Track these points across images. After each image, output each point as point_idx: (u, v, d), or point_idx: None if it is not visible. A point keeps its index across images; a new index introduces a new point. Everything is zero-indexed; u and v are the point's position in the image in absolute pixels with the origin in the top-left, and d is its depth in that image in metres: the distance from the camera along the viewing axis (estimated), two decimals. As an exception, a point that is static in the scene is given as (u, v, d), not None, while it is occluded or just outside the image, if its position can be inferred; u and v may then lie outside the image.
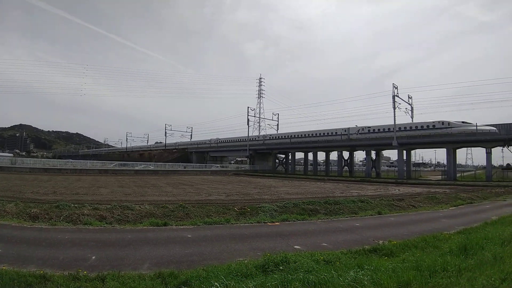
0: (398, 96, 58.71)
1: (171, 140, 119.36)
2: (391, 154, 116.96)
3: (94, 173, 52.70)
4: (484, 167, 65.22)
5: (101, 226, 11.76)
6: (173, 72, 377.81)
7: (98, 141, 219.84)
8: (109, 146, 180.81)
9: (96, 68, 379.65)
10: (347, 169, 71.03)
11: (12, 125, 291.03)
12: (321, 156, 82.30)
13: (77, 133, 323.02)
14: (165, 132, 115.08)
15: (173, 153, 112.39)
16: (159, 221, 12.43)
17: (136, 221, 12.91)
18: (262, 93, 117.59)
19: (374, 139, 63.02)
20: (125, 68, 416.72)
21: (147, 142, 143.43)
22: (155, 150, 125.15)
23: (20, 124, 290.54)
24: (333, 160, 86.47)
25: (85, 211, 13.37)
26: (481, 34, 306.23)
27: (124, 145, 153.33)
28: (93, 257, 7.82)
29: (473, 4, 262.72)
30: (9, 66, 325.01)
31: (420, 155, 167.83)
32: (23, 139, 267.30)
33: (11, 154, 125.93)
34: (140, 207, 14.75)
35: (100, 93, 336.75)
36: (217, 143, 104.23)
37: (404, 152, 60.61)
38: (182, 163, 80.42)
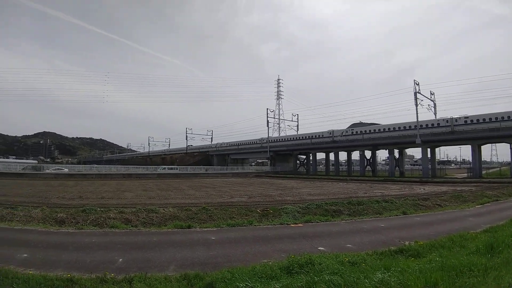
0: (420, 93, 57.33)
1: (192, 143, 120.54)
2: (415, 153, 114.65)
3: (119, 177, 53.65)
4: (509, 163, 62.83)
5: (127, 229, 11.97)
6: (191, 76, 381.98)
7: (121, 146, 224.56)
8: (132, 151, 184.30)
9: (116, 75, 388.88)
10: (370, 169, 69.90)
11: (35, 132, 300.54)
12: (343, 156, 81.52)
13: (100, 139, 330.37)
14: (186, 136, 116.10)
15: (195, 157, 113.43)
16: (183, 223, 12.58)
17: (160, 224, 13.09)
18: (281, 94, 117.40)
19: (396, 137, 61.82)
20: (144, 74, 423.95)
21: (169, 146, 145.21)
22: (177, 153, 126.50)
23: (44, 132, 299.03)
24: (355, 160, 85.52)
25: (111, 215, 13.64)
26: (496, 27, 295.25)
27: (146, 150, 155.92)
28: (120, 259, 7.97)
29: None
30: (29, 76, 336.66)
31: (444, 152, 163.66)
32: (47, 146, 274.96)
33: (36, 161, 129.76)
34: (164, 210, 14.95)
35: (121, 99, 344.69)
36: (238, 145, 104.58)
37: (428, 150, 59.23)
38: (203, 166, 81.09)
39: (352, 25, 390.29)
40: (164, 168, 69.60)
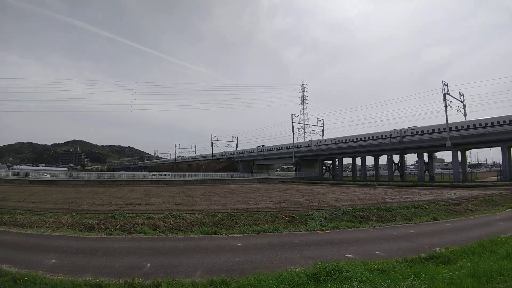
0: (449, 94, 55.69)
1: (217, 150, 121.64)
2: (445, 156, 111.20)
3: (146, 184, 54.70)
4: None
5: (154, 235, 12.16)
6: (215, 83, 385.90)
7: (148, 153, 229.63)
8: (159, 157, 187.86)
9: (143, 84, 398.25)
10: (398, 173, 68.26)
11: (66, 141, 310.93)
12: (370, 160, 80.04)
13: (129, 146, 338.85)
14: (212, 143, 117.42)
15: (220, 163, 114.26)
16: (209, 229, 12.66)
17: (187, 230, 13.22)
18: (306, 99, 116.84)
19: (425, 140, 60.13)
20: (170, 82, 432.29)
21: (195, 153, 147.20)
22: (203, 160, 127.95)
23: (74, 140, 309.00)
24: (382, 164, 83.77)
25: (139, 221, 13.90)
26: None
27: (173, 157, 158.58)
28: (148, 264, 8.08)
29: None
30: (58, 86, 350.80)
31: (475, 155, 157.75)
32: (77, 154, 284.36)
33: (66, 169, 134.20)
34: (190, 216, 15.10)
35: (148, 107, 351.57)
36: (263, 151, 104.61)
37: (459, 153, 57.33)
38: (229, 172, 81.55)
39: (377, 26, 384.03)
40: (155, 175, 70.01)
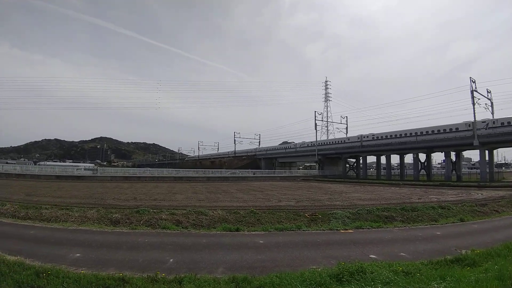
0: (476, 91, 53.58)
1: (240, 147, 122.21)
2: (473, 155, 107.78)
3: (170, 180, 55.54)
4: None
5: (178, 230, 12.34)
6: (237, 81, 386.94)
7: (172, 150, 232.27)
8: (182, 154, 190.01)
9: (166, 82, 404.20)
10: (424, 173, 66.55)
11: (92, 138, 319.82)
12: (395, 159, 78.39)
13: (153, 143, 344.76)
14: (234, 140, 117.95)
15: (243, 160, 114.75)
16: (232, 226, 12.73)
17: (209, 226, 13.33)
18: (329, 96, 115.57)
19: (452, 139, 58.29)
20: (192, 80, 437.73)
21: (217, 150, 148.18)
22: (226, 157, 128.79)
23: (101, 137, 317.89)
24: (408, 163, 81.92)
25: (163, 216, 14.12)
26: None
27: (196, 153, 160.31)
28: (171, 260, 8.19)
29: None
30: (84, 84, 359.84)
31: (502, 154, 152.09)
32: (104, 150, 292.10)
33: (93, 164, 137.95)
34: (213, 212, 15.22)
35: (172, 105, 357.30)
36: (285, 148, 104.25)
37: (487, 152, 55.31)
38: (251, 170, 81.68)
39: (401, 21, 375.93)
40: (178, 171, 70.47)
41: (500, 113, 59.88)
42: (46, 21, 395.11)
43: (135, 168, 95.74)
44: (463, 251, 8.86)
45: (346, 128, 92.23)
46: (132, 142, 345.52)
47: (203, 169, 77.07)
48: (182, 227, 12.92)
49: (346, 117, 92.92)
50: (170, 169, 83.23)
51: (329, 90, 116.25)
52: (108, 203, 18.89)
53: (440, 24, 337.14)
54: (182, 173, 66.54)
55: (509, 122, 51.93)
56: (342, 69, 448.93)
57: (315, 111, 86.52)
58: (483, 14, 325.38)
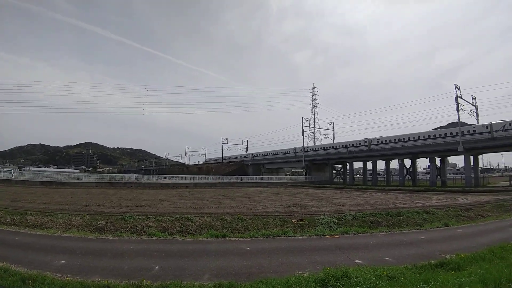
0: (461, 97, 54.77)
1: (227, 153, 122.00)
2: (457, 161, 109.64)
3: (156, 186, 55.11)
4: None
5: (164, 237, 12.25)
6: (226, 86, 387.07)
7: (159, 156, 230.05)
8: (169, 160, 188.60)
9: (154, 87, 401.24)
10: (410, 178, 67.45)
11: (78, 143, 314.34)
12: (381, 165, 79.24)
13: (140, 149, 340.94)
14: (222, 146, 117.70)
15: (230, 166, 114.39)
16: (218, 233, 12.70)
17: (196, 233, 13.29)
18: (316, 103, 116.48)
19: (438, 145, 59.29)
20: (181, 86, 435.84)
21: (205, 156, 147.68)
22: (213, 163, 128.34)
23: (86, 142, 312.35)
24: (394, 169, 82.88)
25: (149, 223, 14.02)
26: None
27: (183, 160, 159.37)
28: (157, 267, 8.13)
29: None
30: (71, 89, 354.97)
31: (487, 160, 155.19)
32: (89, 156, 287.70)
33: (78, 170, 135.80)
34: (199, 219, 15.16)
35: (160, 110, 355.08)
36: (272, 154, 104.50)
37: (471, 157, 56.42)
38: (238, 176, 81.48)
39: (388, 29, 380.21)
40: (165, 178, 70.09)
41: (485, 119, 61.20)
42: (34, 24, 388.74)
43: (121, 174, 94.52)
44: (448, 256, 8.96)
45: (333, 134, 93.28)
46: (118, 148, 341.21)
47: (190, 175, 76.62)
48: (168, 234, 12.85)
49: (333, 123, 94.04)
50: (157, 175, 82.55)
51: (316, 97, 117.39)
52: (93, 209, 18.66)
53: (426, 31, 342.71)
54: (169, 179, 66.02)
55: None
56: (331, 76, 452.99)
57: (302, 117, 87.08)
58: (469, 22, 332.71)
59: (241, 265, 8.49)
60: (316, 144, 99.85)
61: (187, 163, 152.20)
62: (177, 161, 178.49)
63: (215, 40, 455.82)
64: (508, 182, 55.54)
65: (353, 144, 78.20)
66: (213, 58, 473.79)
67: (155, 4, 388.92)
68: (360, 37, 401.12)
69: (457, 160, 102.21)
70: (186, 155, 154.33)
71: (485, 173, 69.66)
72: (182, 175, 76.31)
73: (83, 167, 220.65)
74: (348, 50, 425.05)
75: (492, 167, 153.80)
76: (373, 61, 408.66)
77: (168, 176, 74.17)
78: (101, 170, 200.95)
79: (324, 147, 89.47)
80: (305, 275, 7.02)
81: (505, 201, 24.09)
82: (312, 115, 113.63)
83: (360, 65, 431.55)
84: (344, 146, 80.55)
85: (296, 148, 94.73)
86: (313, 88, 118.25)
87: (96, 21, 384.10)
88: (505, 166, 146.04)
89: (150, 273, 7.59)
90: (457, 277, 6.30)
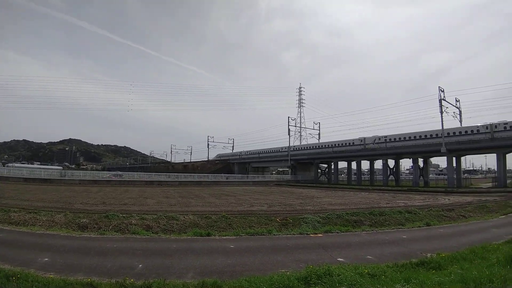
0: (445, 100, 55.91)
1: (214, 151, 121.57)
2: (440, 162, 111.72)
3: (141, 184, 54.63)
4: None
5: (147, 235, 12.17)
6: (214, 85, 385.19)
7: (144, 154, 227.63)
8: (154, 158, 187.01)
9: (142, 85, 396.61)
10: (393, 178, 68.52)
11: (61, 139, 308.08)
12: (365, 165, 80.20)
13: (124, 146, 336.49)
14: (208, 144, 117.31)
15: (216, 164, 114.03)
16: (203, 231, 12.68)
17: (180, 231, 13.24)
18: (303, 102, 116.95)
19: (421, 146, 60.32)
20: (168, 83, 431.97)
21: (190, 154, 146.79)
22: (199, 161, 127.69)
23: (70, 139, 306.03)
24: (378, 169, 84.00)
25: (133, 221, 13.91)
26: None
27: (168, 157, 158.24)
28: (140, 265, 8.09)
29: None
30: (56, 84, 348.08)
31: (470, 161, 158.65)
32: (73, 152, 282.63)
33: (61, 167, 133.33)
34: (184, 217, 15.11)
35: (146, 108, 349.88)
36: (258, 153, 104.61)
37: (454, 159, 57.59)
38: (224, 174, 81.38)
39: (376, 31, 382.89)
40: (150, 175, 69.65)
41: (469, 121, 62.39)
42: (19, 17, 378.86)
43: (104, 172, 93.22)
44: (429, 255, 9.09)
45: (319, 134, 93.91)
46: (102, 145, 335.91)
47: (175, 173, 76.14)
48: (152, 233, 12.76)
49: (319, 123, 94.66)
50: (142, 173, 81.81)
51: (303, 96, 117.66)
52: (76, 207, 18.47)
53: (413, 34, 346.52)
54: (154, 177, 65.44)
55: None
56: (319, 76, 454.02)
57: (288, 117, 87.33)
58: (456, 26, 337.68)
59: (225, 263, 8.52)
60: (302, 143, 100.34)
61: (173, 161, 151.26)
62: (162, 159, 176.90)
63: (204, 39, 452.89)
64: (491, 184, 56.71)
65: (348, 143, 78.59)
66: (202, 56, 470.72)
67: (146, 2, 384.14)
68: (349, 39, 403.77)
69: (440, 161, 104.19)
70: (171, 153, 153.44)
71: (465, 175, 70.97)
72: (167, 173, 75.78)
73: (67, 164, 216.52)
74: (337, 51, 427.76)
75: (475, 168, 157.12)
76: (361, 63, 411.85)
77: (153, 174, 73.55)
78: (84, 167, 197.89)
79: (310, 147, 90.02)
80: (288, 273, 7.09)
81: (488, 202, 24.59)
82: (299, 115, 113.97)
83: (348, 66, 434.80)
84: (330, 145, 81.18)
85: (282, 147, 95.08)
86: (300, 88, 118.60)
87: (85, 17, 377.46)
88: (488, 168, 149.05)
89: (134, 272, 7.56)
90: (437, 276, 6.43)
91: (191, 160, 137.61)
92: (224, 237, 12.07)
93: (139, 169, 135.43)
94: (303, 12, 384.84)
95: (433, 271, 7.20)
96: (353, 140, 75.43)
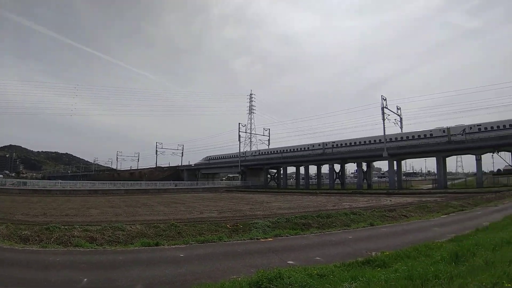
0: (387, 108, 59.58)
1: (162, 158, 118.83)
2: (382, 165, 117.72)
3: (84, 193, 52.04)
4: (475, 174, 65.59)
5: (92, 248, 11.60)
6: (164, 90, 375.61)
7: (87, 161, 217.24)
8: (99, 165, 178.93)
9: (87, 88, 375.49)
10: (339, 182, 71.09)
11: (1, 146, 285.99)
12: (313, 169, 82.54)
13: (66, 153, 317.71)
14: (156, 151, 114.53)
15: (164, 171, 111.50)
16: (151, 241, 12.31)
17: (127, 242, 12.78)
18: (253, 109, 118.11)
19: (364, 151, 63.39)
20: (116, 87, 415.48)
21: (138, 161, 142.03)
22: (146, 168, 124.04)
23: (10, 145, 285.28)
24: (324, 173, 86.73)
25: (76, 233, 13.20)
26: (468, 41, 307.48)
27: (114, 165, 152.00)
28: (85, 279, 7.70)
29: (460, 11, 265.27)
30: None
31: (410, 164, 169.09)
32: (13, 160, 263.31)
33: (1, 175, 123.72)
34: (131, 227, 14.60)
35: (90, 112, 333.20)
36: (208, 160, 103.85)
37: (395, 162, 61.06)
38: (173, 181, 79.79)
39: (326, 41, 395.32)
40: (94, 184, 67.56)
41: (409, 128, 66.53)
42: None
43: (45, 181, 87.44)
44: (373, 253, 9.41)
45: (269, 140, 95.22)
46: (42, 151, 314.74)
47: (121, 182, 73.33)
48: (97, 244, 12.18)
49: (269, 129, 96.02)
50: (85, 181, 77.97)
51: (253, 103, 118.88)
52: (16, 218, 17.49)
53: (360, 46, 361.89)
54: (98, 185, 62.45)
55: (485, 128, 53.17)
56: (269, 83, 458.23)
57: (239, 123, 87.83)
58: (398, 40, 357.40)
59: (175, 273, 8.35)
60: (252, 149, 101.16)
61: (119, 168, 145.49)
62: (107, 166, 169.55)
63: (154, 42, 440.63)
64: (431, 185, 60.68)
65: (297, 149, 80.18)
66: (152, 60, 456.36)
67: (95, 3, 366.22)
68: (298, 48, 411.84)
69: (382, 165, 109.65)
70: (117, 160, 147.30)
71: (404, 177, 75.37)
72: (113, 181, 72.77)
73: (7, 172, 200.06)
74: (286, 60, 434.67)
75: (415, 171, 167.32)
76: (310, 71, 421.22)
77: (97, 182, 70.24)
78: (24, 175, 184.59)
79: (261, 152, 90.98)
80: (239, 278, 7.10)
81: (428, 203, 25.80)
82: (249, 121, 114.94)
83: (297, 74, 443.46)
84: (279, 151, 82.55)
85: (232, 153, 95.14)
86: (250, 94, 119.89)
87: (32, 16, 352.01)
88: (428, 171, 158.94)
89: (79, 286, 7.19)
90: (383, 273, 6.61)
91: (138, 168, 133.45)
92: (174, 246, 11.81)
93: (82, 178, 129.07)
94: (254, 19, 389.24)
95: (379, 268, 7.42)
96: (302, 145, 77.45)
